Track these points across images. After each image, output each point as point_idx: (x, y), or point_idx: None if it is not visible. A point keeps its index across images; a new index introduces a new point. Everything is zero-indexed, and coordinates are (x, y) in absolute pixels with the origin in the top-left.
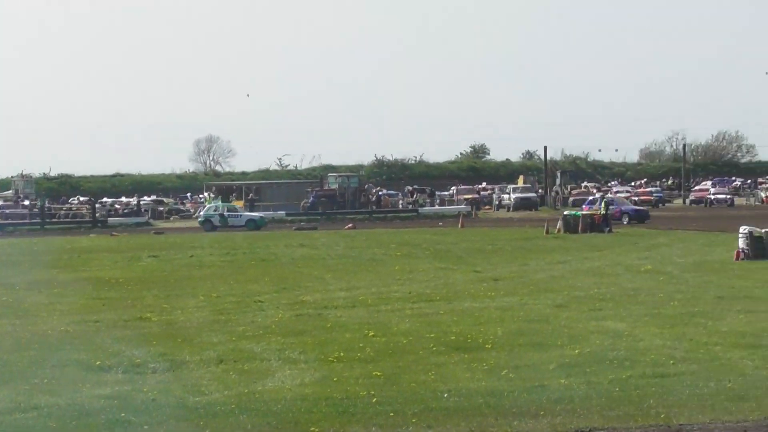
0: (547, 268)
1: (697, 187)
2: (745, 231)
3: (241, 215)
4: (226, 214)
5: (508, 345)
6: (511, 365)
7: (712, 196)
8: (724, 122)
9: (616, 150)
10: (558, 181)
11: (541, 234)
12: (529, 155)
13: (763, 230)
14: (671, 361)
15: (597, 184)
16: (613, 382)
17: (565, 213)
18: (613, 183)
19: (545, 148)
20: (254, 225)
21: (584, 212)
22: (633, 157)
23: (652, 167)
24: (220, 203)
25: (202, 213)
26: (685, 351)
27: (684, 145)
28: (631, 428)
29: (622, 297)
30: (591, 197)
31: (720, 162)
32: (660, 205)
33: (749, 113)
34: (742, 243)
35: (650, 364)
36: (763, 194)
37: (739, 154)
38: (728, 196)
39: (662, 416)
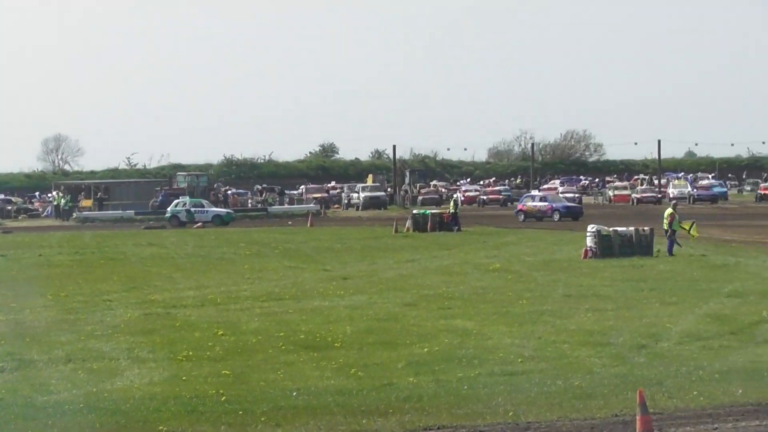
0: (396, 266)
1: (545, 186)
2: (593, 229)
3: (207, 211)
4: (192, 209)
5: (357, 343)
6: (360, 364)
7: (561, 195)
8: (573, 121)
9: (465, 149)
10: (407, 180)
11: (390, 233)
12: (378, 154)
13: (610, 229)
14: (519, 360)
15: (446, 183)
16: (462, 380)
17: (414, 212)
18: (462, 182)
19: (394, 147)
20: (221, 221)
21: (434, 211)
22: (482, 156)
23: (500, 166)
24: (187, 199)
25: (169, 209)
26: (533, 349)
27: (532, 144)
28: (480, 426)
29: (471, 295)
30: (527, 194)
31: (568, 161)
32: (508, 204)
33: (597, 112)
34: (589, 241)
35: (499, 362)
36: (611, 193)
37: (587, 153)
38: (576, 195)
39: (510, 414)
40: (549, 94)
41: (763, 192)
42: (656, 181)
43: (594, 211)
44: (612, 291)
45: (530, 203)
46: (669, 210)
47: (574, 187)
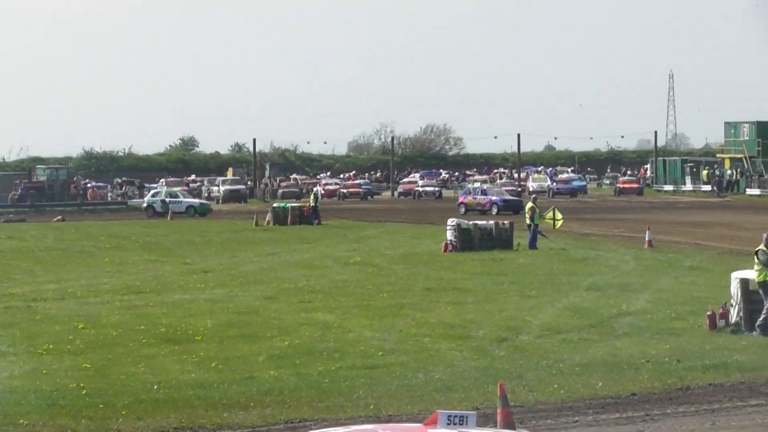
0: (257, 260)
1: (405, 180)
2: (453, 223)
3: (181, 201)
4: (167, 200)
5: (218, 337)
6: (221, 357)
7: (421, 189)
8: (432, 115)
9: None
10: (267, 173)
11: (251, 226)
12: (239, 148)
13: (470, 222)
14: (380, 353)
15: (306, 177)
16: (323, 374)
17: (275, 205)
18: (322, 175)
19: (254, 140)
20: (194, 211)
21: (294, 204)
22: (342, 149)
23: (360, 159)
24: (164, 188)
25: (145, 199)
26: (394, 342)
27: (392, 138)
28: (341, 419)
29: (332, 289)
30: (469, 185)
31: (428, 154)
32: (369, 197)
33: (457, 106)
34: (450, 235)
35: (359, 356)
36: (471, 186)
37: (447, 147)
38: (436, 189)
39: (371, 407)
40: (409, 88)
41: (622, 185)
42: (516, 175)
43: (454, 204)
44: (472, 284)
45: (470, 197)
46: (530, 204)
47: (434, 181)
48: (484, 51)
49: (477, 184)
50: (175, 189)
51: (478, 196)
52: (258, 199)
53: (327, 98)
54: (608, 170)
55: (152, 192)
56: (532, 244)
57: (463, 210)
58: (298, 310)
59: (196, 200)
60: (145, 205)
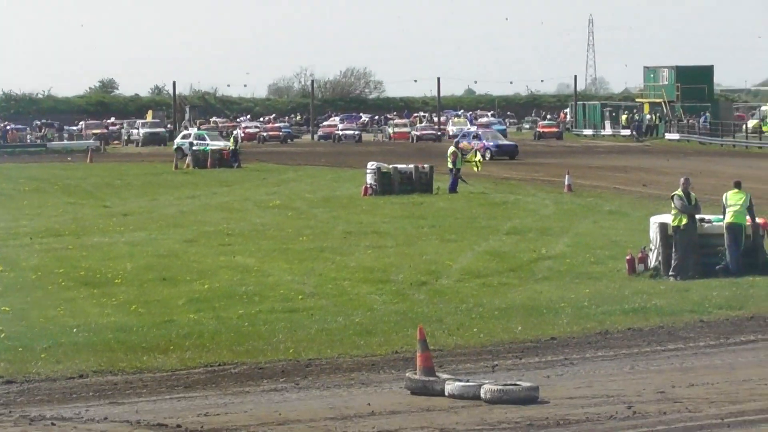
0: (177, 203)
1: (325, 123)
2: (373, 167)
3: (208, 144)
4: (195, 142)
5: (137, 280)
6: (141, 300)
7: (341, 132)
8: (352, 59)
9: (245, 85)
10: (187, 116)
11: (170, 169)
12: (158, 90)
13: (390, 166)
14: (300, 296)
15: (226, 120)
16: (243, 317)
17: (194, 148)
18: (242, 118)
19: (174, 83)
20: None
21: (214, 147)
22: (262, 92)
23: (280, 103)
24: (195, 131)
25: (175, 141)
26: (313, 286)
27: (312, 81)
28: (261, 363)
29: (251, 232)
30: (464, 130)
31: (348, 98)
32: (289, 140)
33: (377, 49)
34: (369, 179)
35: (279, 299)
36: (390, 130)
37: (367, 91)
38: (356, 132)
39: (291, 351)
40: (329, 32)
41: (541, 130)
42: (436, 119)
43: (374, 148)
44: (392, 228)
45: (465, 141)
46: (452, 148)
47: (354, 124)
48: None
49: (473, 128)
50: (203, 131)
51: (473, 141)
52: None
53: (247, 41)
54: (532, 113)
55: (182, 134)
56: (453, 188)
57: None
58: (217, 254)
59: (221, 143)
60: (175, 146)
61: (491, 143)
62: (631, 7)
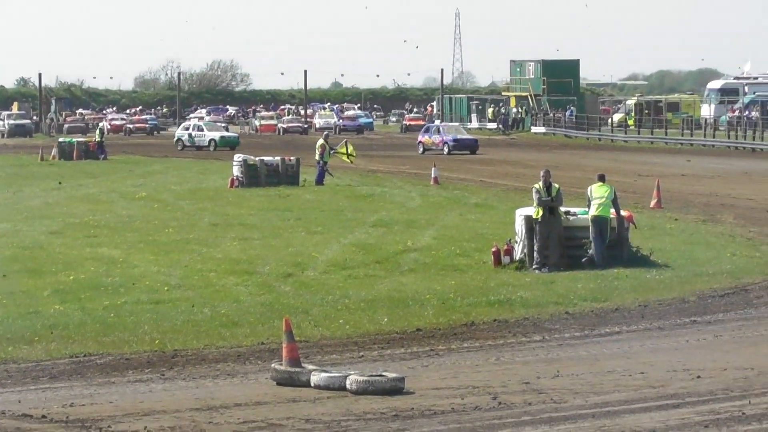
0: (42, 194)
1: (192, 115)
2: (240, 159)
3: (205, 135)
4: (193, 133)
5: (2, 271)
6: (6, 291)
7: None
8: (219, 51)
9: (111, 77)
10: (53, 108)
11: (36, 160)
12: (24, 82)
13: (257, 158)
14: (166, 288)
15: (92, 112)
16: (108, 308)
17: (60, 140)
18: (108, 110)
19: (39, 75)
20: (215, 145)
21: (80, 139)
22: (128, 85)
23: (147, 95)
24: (195, 122)
25: (176, 132)
26: (180, 278)
27: (179, 74)
28: (126, 354)
29: (117, 224)
30: (427, 125)
31: (215, 90)
32: (155, 133)
33: (243, 43)
34: (236, 171)
35: (145, 291)
36: (257, 123)
37: (234, 83)
38: (223, 125)
39: (157, 342)
40: (195, 24)
41: (408, 123)
42: (302, 112)
43: (241, 140)
44: (258, 220)
45: (426, 136)
46: (320, 141)
47: (221, 117)
48: None
49: (437, 122)
50: (204, 122)
51: (433, 136)
52: (44, 134)
53: (113, 33)
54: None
55: (184, 125)
56: (319, 180)
57: (421, 150)
58: (83, 245)
59: (216, 133)
60: (175, 138)
61: (449, 137)
62: (497, 0)
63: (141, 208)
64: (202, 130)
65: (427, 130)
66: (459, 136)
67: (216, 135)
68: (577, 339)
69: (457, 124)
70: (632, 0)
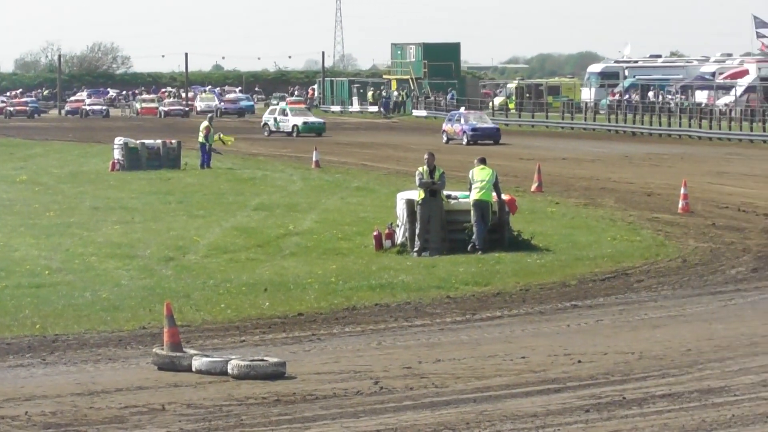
0: None
1: (72, 98)
2: (121, 142)
3: (288, 120)
4: (278, 118)
5: None
6: None
7: (88, 108)
8: (100, 33)
9: None
10: None
11: None
12: None
13: (138, 141)
14: (47, 272)
15: None
16: None
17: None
18: None
19: None
20: (297, 130)
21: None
22: (8, 67)
23: (27, 78)
24: (282, 106)
25: (263, 117)
26: (60, 261)
27: (59, 56)
28: (6, 339)
29: None
30: (453, 112)
31: (96, 73)
32: (36, 115)
33: (124, 24)
34: (117, 154)
35: (26, 275)
36: (138, 106)
37: (114, 66)
38: (104, 108)
39: (38, 326)
40: (76, 6)
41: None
42: (184, 95)
43: (122, 123)
44: (140, 203)
45: (449, 124)
46: (205, 123)
47: (102, 99)
48: None
49: (461, 110)
50: (284, 105)
51: (455, 124)
52: None
53: None
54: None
55: (269, 109)
56: (206, 163)
57: (444, 139)
58: None
59: (302, 119)
60: (262, 122)
61: (467, 126)
62: None
63: (21, 192)
64: (286, 114)
65: (451, 118)
66: (478, 125)
67: (299, 120)
68: (458, 323)
69: (479, 112)
70: None
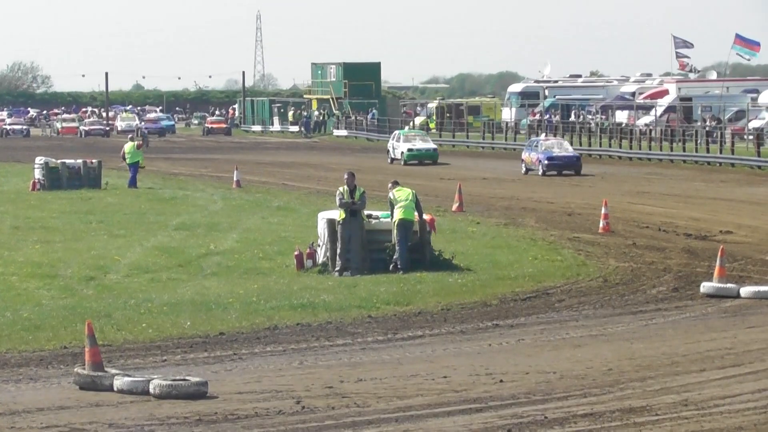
0: None
1: None
2: (41, 162)
3: (400, 146)
4: (393, 144)
5: None
6: None
7: (8, 127)
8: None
9: None
10: None
11: None
12: None
13: (58, 161)
14: None
15: None
16: None
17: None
18: None
19: None
20: (404, 158)
21: None
22: None
23: None
24: (400, 131)
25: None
26: None
27: None
28: None
29: None
30: (532, 139)
31: (16, 92)
32: None
33: (44, 43)
34: (38, 173)
35: None
36: (59, 125)
37: (34, 85)
38: (24, 127)
39: None
40: None
41: (210, 126)
42: (104, 114)
43: (42, 143)
44: (60, 223)
45: (527, 153)
46: (131, 144)
47: (22, 119)
48: None
49: (542, 136)
50: (401, 130)
51: (532, 152)
52: None
53: None
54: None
55: (394, 134)
56: (132, 183)
57: (523, 170)
58: None
59: (407, 144)
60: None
61: (542, 155)
62: (298, 2)
63: None
64: (399, 140)
65: (530, 146)
66: (555, 153)
67: (405, 147)
68: (380, 343)
69: (560, 139)
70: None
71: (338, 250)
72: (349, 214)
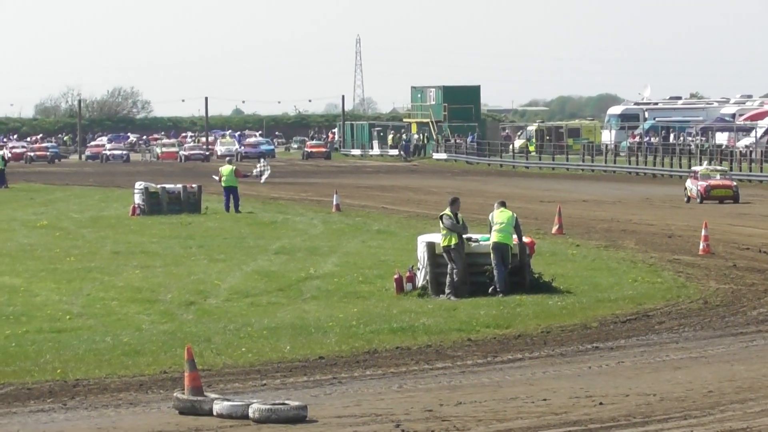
0: None
1: (93, 143)
2: (141, 186)
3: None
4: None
5: None
6: None
7: (108, 152)
8: (120, 78)
9: (12, 105)
10: None
11: None
12: None
13: (158, 186)
14: (68, 316)
15: None
16: (10, 338)
17: None
18: (8, 138)
19: None
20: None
21: None
22: (28, 112)
23: (48, 123)
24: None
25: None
26: (81, 306)
27: (79, 101)
28: (28, 384)
29: (18, 252)
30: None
31: (116, 118)
32: (56, 160)
33: (144, 70)
34: (137, 199)
35: (47, 320)
36: (158, 150)
37: (134, 110)
38: (124, 152)
39: (59, 371)
40: (96, 51)
41: (310, 150)
42: (204, 139)
43: (142, 168)
44: (160, 248)
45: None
46: (229, 167)
47: (122, 144)
48: (167, 11)
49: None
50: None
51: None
52: None
53: (13, 60)
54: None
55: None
56: (233, 208)
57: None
58: None
59: (707, 183)
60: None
61: (703, 183)
62: (398, 26)
63: (42, 237)
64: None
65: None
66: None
67: (705, 183)
68: (479, 366)
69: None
70: (532, 26)
71: (445, 273)
72: (458, 239)
